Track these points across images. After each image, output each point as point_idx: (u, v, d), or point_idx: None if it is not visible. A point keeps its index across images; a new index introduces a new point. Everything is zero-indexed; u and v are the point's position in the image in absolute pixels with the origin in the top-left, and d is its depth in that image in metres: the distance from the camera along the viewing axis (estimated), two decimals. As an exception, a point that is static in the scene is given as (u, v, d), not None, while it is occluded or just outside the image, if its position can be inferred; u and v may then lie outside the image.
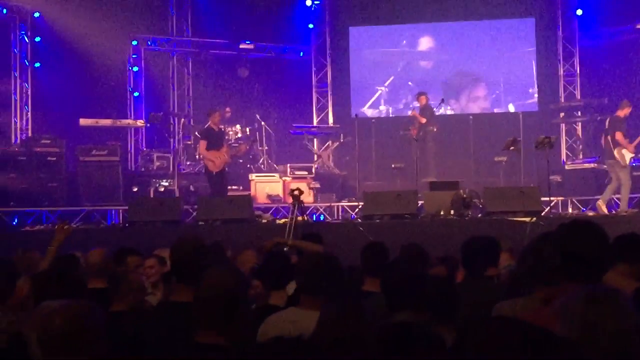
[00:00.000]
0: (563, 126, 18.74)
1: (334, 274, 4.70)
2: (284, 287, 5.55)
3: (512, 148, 14.70)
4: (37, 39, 18.14)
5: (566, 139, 18.81)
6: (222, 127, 16.17)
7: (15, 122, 18.00)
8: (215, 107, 16.35)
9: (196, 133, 17.92)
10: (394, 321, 3.78)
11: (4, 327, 4.62)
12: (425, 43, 19.99)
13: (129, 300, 5.08)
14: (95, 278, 6.15)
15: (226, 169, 15.36)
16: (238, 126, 18.23)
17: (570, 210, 15.62)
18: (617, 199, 14.71)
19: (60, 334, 3.05)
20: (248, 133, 18.19)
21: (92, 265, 6.27)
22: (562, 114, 18.45)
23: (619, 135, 14.15)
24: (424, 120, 16.91)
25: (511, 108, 19.33)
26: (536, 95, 19.27)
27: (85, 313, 3.13)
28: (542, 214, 12.81)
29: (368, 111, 19.77)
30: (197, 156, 17.92)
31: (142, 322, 4.83)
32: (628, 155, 14.21)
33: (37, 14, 18.06)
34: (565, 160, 18.22)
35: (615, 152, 14.14)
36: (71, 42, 17.73)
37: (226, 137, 16.58)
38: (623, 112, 14.52)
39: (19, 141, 17.67)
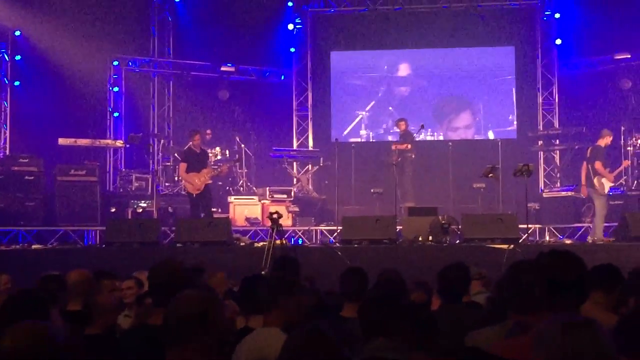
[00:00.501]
0: (541, 154, 18.86)
1: (285, 290, 4.83)
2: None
3: (490, 175, 14.76)
4: (18, 57, 18.06)
5: (544, 167, 18.93)
6: (203, 148, 16.12)
7: (-7, 140, 17.89)
8: (196, 128, 16.30)
9: (176, 154, 17.89)
10: (367, 353, 3.77)
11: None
12: (405, 69, 20.10)
13: (101, 324, 5.01)
14: (75, 300, 6.08)
15: (209, 189, 15.27)
16: (218, 148, 18.22)
17: (547, 237, 15.69)
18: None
19: (9, 357, 2.94)
20: (228, 155, 18.19)
21: (70, 287, 6.20)
22: (540, 142, 18.57)
23: (598, 165, 14.27)
24: (409, 147, 16.90)
25: (491, 135, 19.45)
26: (515, 122, 19.40)
27: (38, 334, 3.03)
28: (520, 241, 12.85)
29: (348, 135, 19.80)
30: (176, 178, 17.87)
31: (117, 346, 4.78)
32: (607, 185, 14.32)
33: (18, 33, 17.98)
34: (543, 188, 18.32)
35: (595, 181, 14.25)
36: (52, 62, 17.69)
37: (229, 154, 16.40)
38: (604, 141, 14.63)
39: (-4, 159, 17.55)
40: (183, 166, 15.23)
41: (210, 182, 15.29)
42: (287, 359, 3.21)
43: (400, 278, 6.46)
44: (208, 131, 18.03)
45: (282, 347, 3.27)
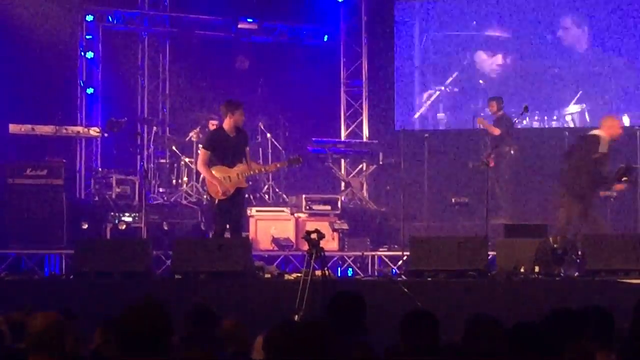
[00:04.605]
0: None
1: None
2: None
3: (624, 179, 14.67)
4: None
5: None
6: (243, 129, 14.48)
7: None
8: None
9: (174, 148, 17.96)
10: None
11: None
12: (507, 26, 19.94)
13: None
14: (38, 353, 6.20)
15: (242, 195, 14.42)
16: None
17: None
18: None
19: None
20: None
21: (34, 335, 6.32)
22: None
23: None
24: (497, 132, 16.92)
25: (626, 121, 19.26)
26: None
27: None
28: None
29: (419, 122, 19.78)
30: (174, 180, 17.96)
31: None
32: None
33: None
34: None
35: None
36: None
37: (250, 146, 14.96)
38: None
39: None
40: (204, 155, 14.17)
41: (245, 185, 14.40)
42: None
43: (498, 330, 6.43)
44: (213, 122, 17.51)
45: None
